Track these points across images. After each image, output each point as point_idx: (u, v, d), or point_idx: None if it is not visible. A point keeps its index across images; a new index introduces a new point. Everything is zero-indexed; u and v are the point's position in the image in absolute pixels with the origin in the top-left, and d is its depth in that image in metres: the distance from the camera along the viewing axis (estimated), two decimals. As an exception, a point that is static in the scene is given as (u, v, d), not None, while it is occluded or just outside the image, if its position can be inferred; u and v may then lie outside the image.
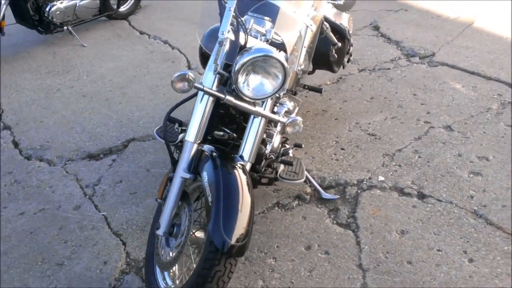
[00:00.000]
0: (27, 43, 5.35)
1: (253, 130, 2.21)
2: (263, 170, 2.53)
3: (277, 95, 2.16)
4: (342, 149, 3.22)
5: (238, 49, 2.11)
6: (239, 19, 2.12)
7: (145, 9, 6.12)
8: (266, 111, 2.18)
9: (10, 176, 3.17)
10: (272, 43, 2.24)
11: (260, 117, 2.20)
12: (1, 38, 5.21)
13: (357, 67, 4.31)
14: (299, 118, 2.20)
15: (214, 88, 2.11)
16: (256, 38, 2.20)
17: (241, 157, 2.21)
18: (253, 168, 2.46)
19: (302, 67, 2.23)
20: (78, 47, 5.14)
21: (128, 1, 6.29)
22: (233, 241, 1.90)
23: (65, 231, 2.70)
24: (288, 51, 2.28)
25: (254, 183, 2.52)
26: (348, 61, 3.40)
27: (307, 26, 2.26)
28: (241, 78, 2.04)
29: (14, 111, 3.89)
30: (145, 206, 2.79)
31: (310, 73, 3.46)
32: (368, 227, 2.58)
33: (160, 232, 2.12)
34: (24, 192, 3.01)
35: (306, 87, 3.31)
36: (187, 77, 1.99)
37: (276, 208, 2.76)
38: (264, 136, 2.50)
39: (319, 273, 2.36)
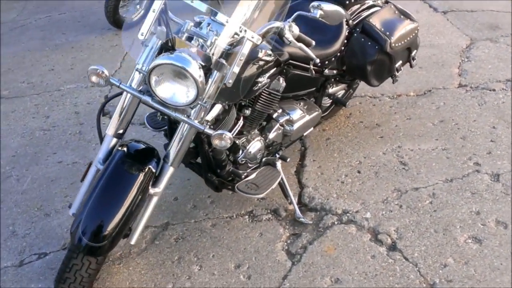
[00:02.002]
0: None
1: (179, 135, 2.18)
2: (226, 175, 2.48)
3: (191, 106, 2.09)
4: (359, 172, 2.93)
5: (158, 50, 2.08)
6: (165, 20, 2.08)
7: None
8: (187, 117, 2.09)
9: (78, 127, 3.61)
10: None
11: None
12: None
13: (461, 81, 3.74)
14: (228, 134, 2.08)
15: (134, 85, 2.12)
16: (196, 42, 2.09)
17: (165, 160, 2.21)
18: (215, 171, 2.43)
19: (230, 81, 2.08)
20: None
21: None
22: (90, 240, 1.97)
23: (74, 186, 3.01)
24: (231, 62, 2.13)
25: (216, 187, 2.50)
26: (393, 78, 3.00)
27: (247, 39, 2.09)
28: (153, 81, 2.02)
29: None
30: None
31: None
32: (308, 264, 2.37)
33: (70, 212, 2.28)
34: (77, 143, 3.42)
35: (332, 97, 3.05)
36: (99, 72, 2.05)
37: (246, 216, 2.69)
38: (240, 141, 2.45)
39: (226, 295, 2.28)
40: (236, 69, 2.03)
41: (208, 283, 2.32)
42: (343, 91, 3.26)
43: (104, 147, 2.18)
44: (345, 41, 2.84)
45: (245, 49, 2.02)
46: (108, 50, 5.04)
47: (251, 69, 2.23)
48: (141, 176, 2.09)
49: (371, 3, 3.06)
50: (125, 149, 2.16)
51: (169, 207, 2.80)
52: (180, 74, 1.93)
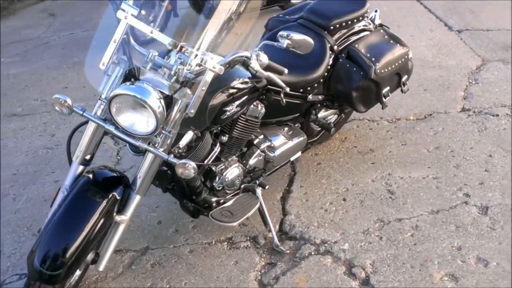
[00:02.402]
0: None
1: (146, 163, 2.20)
2: (201, 202, 2.48)
3: (154, 135, 2.09)
4: (344, 200, 2.88)
5: (122, 78, 2.10)
6: (127, 50, 2.10)
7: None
8: (152, 145, 2.10)
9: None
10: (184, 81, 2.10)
11: None
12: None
13: (464, 105, 3.65)
14: (191, 164, 2.07)
15: (99, 114, 2.15)
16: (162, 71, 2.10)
17: (132, 188, 2.23)
18: (190, 197, 2.46)
19: (192, 111, 2.09)
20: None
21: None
22: (46, 268, 2.00)
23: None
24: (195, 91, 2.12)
25: (192, 213, 2.51)
26: (382, 104, 2.95)
27: (208, 69, 2.09)
28: (114, 109, 2.04)
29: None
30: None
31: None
32: (278, 297, 2.33)
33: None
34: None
35: (317, 122, 3.01)
36: (61, 102, 2.09)
37: (225, 243, 2.68)
38: (218, 167, 2.47)
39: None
40: (197, 99, 2.02)
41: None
42: (334, 116, 3.21)
43: (70, 173, 2.21)
44: (329, 66, 2.79)
45: (207, 78, 2.01)
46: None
47: (220, 97, 2.22)
48: (103, 203, 2.10)
49: (361, 27, 3.00)
50: (90, 175, 2.18)
51: (152, 231, 2.81)
52: (139, 104, 1.94)
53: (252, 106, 2.50)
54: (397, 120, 3.55)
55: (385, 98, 2.87)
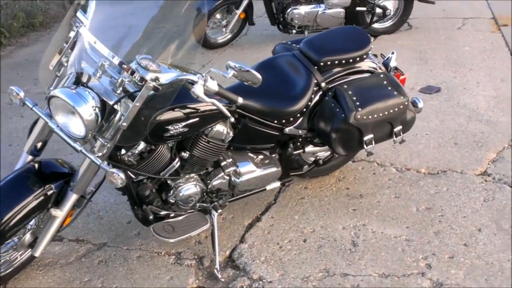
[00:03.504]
0: (266, 34, 6.10)
1: (84, 165, 2.35)
2: (148, 212, 2.59)
3: (85, 140, 2.23)
4: (304, 241, 2.84)
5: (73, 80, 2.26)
6: (80, 55, 2.25)
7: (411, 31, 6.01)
8: (90, 149, 2.22)
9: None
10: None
11: None
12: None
13: (488, 169, 3.38)
14: (120, 175, 2.16)
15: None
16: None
17: (70, 186, 2.39)
18: (141, 205, 2.58)
19: (124, 124, 2.18)
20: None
21: (392, 19, 6.12)
22: None
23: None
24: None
25: (142, 220, 2.63)
26: (366, 151, 2.84)
27: (145, 85, 2.16)
28: (52, 108, 2.22)
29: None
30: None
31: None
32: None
33: None
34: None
35: (293, 156, 2.97)
36: (14, 93, 2.31)
37: (173, 256, 2.77)
38: (175, 182, 2.57)
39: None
40: (130, 113, 2.10)
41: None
42: (326, 153, 3.13)
43: (19, 162, 2.41)
44: (310, 103, 2.74)
45: (142, 94, 2.09)
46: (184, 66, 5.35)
47: (166, 115, 2.28)
48: (36, 192, 2.28)
49: (363, 68, 2.90)
50: (36, 164, 2.35)
51: (117, 229, 2.96)
52: (70, 109, 2.08)
53: (215, 129, 2.51)
54: (406, 170, 3.36)
55: (367, 146, 2.74)
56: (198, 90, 2.13)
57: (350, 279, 2.51)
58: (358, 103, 2.65)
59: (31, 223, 2.46)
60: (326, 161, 3.11)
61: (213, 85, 2.15)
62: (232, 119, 2.42)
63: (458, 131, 3.79)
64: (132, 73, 2.06)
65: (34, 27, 7.14)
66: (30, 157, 2.41)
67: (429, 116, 4.05)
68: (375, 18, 5.86)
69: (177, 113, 2.33)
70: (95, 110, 2.12)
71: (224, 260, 2.72)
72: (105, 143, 2.18)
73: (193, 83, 2.14)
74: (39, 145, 2.40)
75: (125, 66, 2.07)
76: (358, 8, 5.74)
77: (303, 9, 5.62)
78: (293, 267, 2.62)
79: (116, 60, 2.08)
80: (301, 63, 2.78)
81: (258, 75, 2.20)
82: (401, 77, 3.11)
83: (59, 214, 2.33)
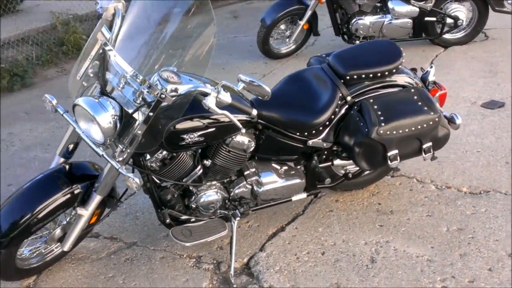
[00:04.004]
0: (332, 45, 6.08)
1: (106, 168, 2.55)
2: (170, 215, 2.75)
3: (106, 146, 2.41)
4: (322, 254, 2.85)
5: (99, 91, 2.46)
6: (103, 67, 2.45)
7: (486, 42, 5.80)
8: (111, 153, 2.36)
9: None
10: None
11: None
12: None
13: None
14: (135, 179, 2.30)
15: None
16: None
17: (94, 187, 2.59)
18: (162, 208, 2.71)
19: (139, 132, 2.32)
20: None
21: (464, 29, 5.84)
22: None
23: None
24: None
25: (164, 223, 2.79)
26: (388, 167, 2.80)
27: (157, 98, 2.29)
28: (76, 114, 2.43)
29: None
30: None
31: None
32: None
33: None
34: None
35: (317, 169, 2.99)
36: (47, 101, 2.55)
37: (193, 260, 2.86)
38: (197, 188, 2.70)
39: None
40: (145, 121, 2.25)
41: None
42: (357, 167, 3.10)
43: (53, 163, 2.63)
44: (333, 116, 2.75)
45: (155, 105, 2.23)
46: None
47: (182, 124, 2.41)
48: (62, 190, 2.48)
49: (398, 82, 2.86)
50: (66, 166, 2.57)
51: (149, 230, 3.12)
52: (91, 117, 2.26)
53: (235, 139, 2.60)
54: (446, 188, 3.25)
55: (391, 162, 2.70)
56: (209, 102, 2.21)
57: (360, 296, 2.47)
58: (382, 118, 2.62)
59: (61, 219, 2.63)
60: (356, 175, 3.07)
61: (225, 97, 2.23)
62: (244, 131, 2.48)
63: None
64: (149, 86, 2.18)
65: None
66: (62, 160, 2.60)
67: (485, 132, 3.87)
68: (446, 29, 5.65)
69: (193, 123, 2.43)
70: (114, 118, 2.27)
71: (241, 266, 2.77)
72: (123, 149, 2.31)
73: (205, 94, 2.21)
74: (70, 147, 2.59)
75: (141, 78, 2.19)
76: (427, 18, 5.57)
77: (368, 20, 5.55)
78: (305, 279, 2.62)
79: (133, 74, 2.20)
80: (328, 77, 2.78)
81: (268, 89, 2.26)
82: (440, 92, 3.01)
83: (84, 213, 2.51)
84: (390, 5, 5.55)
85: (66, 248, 2.61)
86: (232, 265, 2.69)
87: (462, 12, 5.59)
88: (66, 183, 2.48)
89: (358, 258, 2.72)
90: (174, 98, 2.22)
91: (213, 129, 2.45)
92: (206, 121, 2.44)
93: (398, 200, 3.16)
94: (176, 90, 2.20)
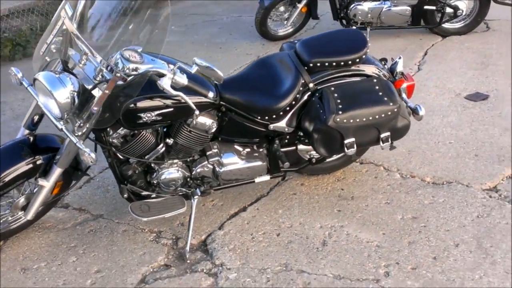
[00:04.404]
0: (333, 29, 5.91)
1: (66, 141, 2.64)
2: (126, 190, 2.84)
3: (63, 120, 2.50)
4: (277, 235, 2.94)
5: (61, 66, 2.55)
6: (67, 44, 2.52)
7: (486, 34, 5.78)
8: (71, 128, 2.45)
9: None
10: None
11: None
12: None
13: (498, 185, 3.26)
14: (91, 155, 2.41)
15: None
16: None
17: (55, 159, 2.70)
18: (124, 183, 2.81)
19: (95, 108, 2.40)
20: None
21: (464, 19, 5.79)
22: None
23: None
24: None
25: (128, 198, 2.90)
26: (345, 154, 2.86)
27: (112, 76, 2.38)
28: (36, 88, 2.51)
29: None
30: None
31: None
32: None
33: None
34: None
35: (278, 153, 3.06)
36: (13, 74, 2.64)
37: (153, 234, 2.96)
38: (159, 165, 2.79)
39: None
40: (99, 98, 2.34)
41: (63, 275, 2.71)
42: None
43: (18, 135, 2.74)
44: (295, 102, 2.80)
45: (110, 83, 2.32)
46: (241, 55, 5.64)
47: (140, 103, 2.48)
48: (25, 160, 2.60)
49: (363, 71, 2.91)
50: (31, 137, 2.68)
51: (117, 203, 3.23)
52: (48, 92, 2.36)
53: (196, 120, 2.68)
54: (410, 177, 3.31)
55: (347, 149, 2.76)
56: (164, 83, 2.30)
57: (304, 276, 2.56)
58: (340, 106, 2.67)
59: (26, 188, 2.75)
60: (320, 160, 3.13)
61: (181, 79, 2.32)
62: (197, 112, 2.54)
63: (486, 142, 3.61)
64: (107, 65, 2.26)
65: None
66: (27, 131, 2.71)
67: (462, 124, 3.89)
68: (445, 18, 5.61)
69: (151, 102, 2.51)
70: (72, 94, 2.36)
71: (198, 243, 2.87)
72: (81, 124, 2.41)
73: (162, 75, 2.29)
74: (35, 119, 2.69)
75: (98, 58, 2.28)
76: (426, 7, 5.54)
77: (366, 5, 5.54)
78: (256, 258, 2.71)
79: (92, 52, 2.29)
80: (293, 63, 2.84)
81: (220, 73, 2.35)
82: (407, 83, 3.04)
83: (46, 183, 2.61)
84: (390, -9, 5.50)
85: (29, 217, 2.73)
86: (188, 241, 2.79)
87: (463, 2, 5.54)
88: (29, 154, 2.59)
89: (310, 240, 2.80)
90: (130, 78, 2.29)
91: (171, 109, 2.53)
92: (164, 101, 2.51)
93: (361, 186, 3.22)
94: (136, 69, 2.29)
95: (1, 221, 2.81)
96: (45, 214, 3.01)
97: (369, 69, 2.92)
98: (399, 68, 2.98)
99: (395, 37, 5.78)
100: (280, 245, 2.78)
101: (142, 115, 2.48)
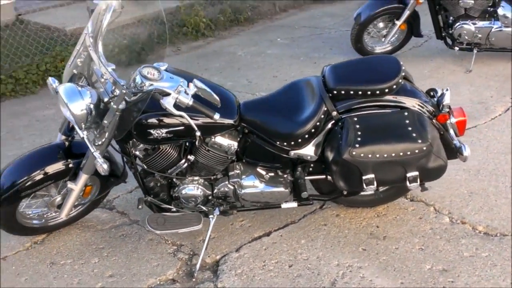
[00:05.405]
0: (441, 48, 5.65)
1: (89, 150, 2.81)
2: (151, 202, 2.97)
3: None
4: (289, 266, 2.85)
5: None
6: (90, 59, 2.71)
7: None
8: (90, 136, 2.59)
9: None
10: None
11: None
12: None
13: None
14: (104, 165, 2.49)
15: None
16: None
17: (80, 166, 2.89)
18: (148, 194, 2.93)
19: (106, 121, 2.52)
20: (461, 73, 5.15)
21: None
22: None
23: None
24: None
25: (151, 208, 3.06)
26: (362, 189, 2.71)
27: (120, 94, 2.50)
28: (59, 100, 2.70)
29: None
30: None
31: None
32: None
33: None
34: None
35: (299, 181, 2.96)
36: (50, 84, 2.85)
37: (174, 247, 3.02)
38: (181, 180, 2.85)
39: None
40: (110, 113, 2.49)
41: (81, 274, 2.86)
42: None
43: (57, 140, 2.98)
44: (315, 129, 2.70)
45: (117, 100, 2.45)
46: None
47: (150, 118, 2.57)
48: (57, 163, 2.79)
49: (401, 103, 2.71)
50: (65, 142, 2.90)
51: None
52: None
53: (214, 139, 2.72)
54: (461, 223, 3.00)
55: (366, 186, 2.59)
56: (167, 102, 2.35)
57: (298, 317, 2.43)
58: (359, 139, 2.50)
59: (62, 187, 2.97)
60: (354, 192, 2.96)
61: (185, 99, 2.35)
62: (198, 133, 2.53)
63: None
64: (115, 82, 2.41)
65: (239, 22, 7.87)
66: (63, 137, 2.91)
67: (549, 169, 3.40)
68: None
69: (160, 120, 2.56)
70: (88, 106, 2.50)
71: (212, 263, 2.86)
72: (97, 135, 2.55)
73: (167, 94, 2.35)
74: (71, 125, 2.88)
75: (106, 76, 2.42)
76: (545, 29, 4.94)
77: (473, 25, 5.08)
78: (257, 285, 2.63)
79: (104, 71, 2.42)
80: (318, 89, 2.72)
81: (215, 97, 2.35)
82: (457, 119, 2.76)
83: (74, 187, 2.80)
84: (501, 11, 5.01)
85: (62, 215, 2.93)
86: (199, 259, 2.80)
87: None
88: (62, 157, 2.78)
89: (320, 277, 2.65)
90: (137, 96, 2.37)
91: (180, 128, 2.55)
92: (172, 119, 2.54)
93: (399, 226, 2.97)
94: (143, 86, 2.35)
95: (37, 216, 3.02)
96: (89, 214, 3.21)
97: (410, 101, 2.67)
98: (446, 101, 2.70)
99: (507, 61, 5.21)
100: (287, 277, 2.67)
101: (152, 131, 2.54)
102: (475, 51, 5.18)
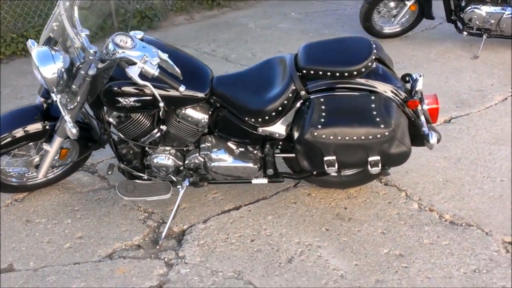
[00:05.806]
0: (453, 31, 5.48)
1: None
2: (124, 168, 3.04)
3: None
4: (251, 240, 2.92)
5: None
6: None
7: None
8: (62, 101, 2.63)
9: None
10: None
11: None
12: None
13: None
14: (73, 130, 2.54)
15: None
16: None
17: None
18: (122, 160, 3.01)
19: (74, 86, 2.58)
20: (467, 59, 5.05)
21: None
22: None
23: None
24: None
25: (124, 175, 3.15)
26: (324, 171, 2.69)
27: (89, 60, 2.55)
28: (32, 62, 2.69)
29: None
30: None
31: None
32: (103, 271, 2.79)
33: None
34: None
35: (270, 159, 2.99)
36: (28, 45, 2.90)
37: (145, 214, 3.09)
38: (153, 149, 2.92)
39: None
40: (78, 78, 2.55)
41: (52, 234, 2.97)
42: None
43: (36, 101, 3.07)
44: (282, 107, 2.71)
45: (85, 66, 2.51)
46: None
47: (119, 86, 2.61)
48: (34, 124, 2.88)
49: (372, 87, 2.70)
50: (44, 104, 2.98)
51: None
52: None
53: (184, 111, 2.76)
54: (428, 210, 3.00)
55: (327, 167, 2.61)
56: (132, 71, 2.40)
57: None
58: (322, 120, 2.51)
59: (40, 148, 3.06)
60: (322, 173, 2.97)
61: (150, 70, 2.39)
62: (162, 104, 2.57)
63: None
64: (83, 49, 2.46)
65: (257, -7, 7.81)
66: (42, 99, 3.00)
67: (527, 160, 3.35)
68: None
69: (128, 88, 2.61)
70: (60, 70, 2.56)
71: (179, 232, 2.94)
72: (68, 100, 2.62)
73: (133, 63, 2.40)
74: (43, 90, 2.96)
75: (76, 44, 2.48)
76: (559, 18, 4.78)
77: (485, 10, 4.96)
78: (216, 259, 2.70)
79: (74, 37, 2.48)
80: (289, 67, 2.73)
81: (178, 70, 2.39)
82: (429, 106, 2.74)
83: (49, 149, 2.89)
84: (514, -4, 4.86)
85: (40, 175, 3.03)
86: (166, 227, 2.88)
87: None
88: (40, 119, 2.87)
89: (279, 254, 2.70)
90: (105, 64, 2.42)
91: (147, 97, 2.60)
92: (140, 89, 2.58)
93: (367, 209, 2.99)
94: (112, 54, 2.41)
95: (16, 174, 3.12)
96: (72, 176, 3.33)
97: (382, 86, 2.66)
98: (418, 87, 2.67)
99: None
100: (247, 251, 2.73)
101: (120, 99, 2.59)
102: (484, 37, 5.06)
